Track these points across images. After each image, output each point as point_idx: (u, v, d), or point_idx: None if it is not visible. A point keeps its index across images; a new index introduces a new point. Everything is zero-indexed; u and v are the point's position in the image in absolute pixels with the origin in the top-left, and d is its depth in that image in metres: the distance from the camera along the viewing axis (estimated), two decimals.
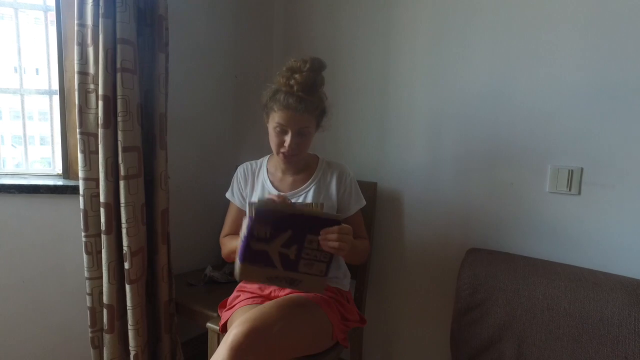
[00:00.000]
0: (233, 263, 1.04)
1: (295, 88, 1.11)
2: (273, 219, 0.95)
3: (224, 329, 1.16)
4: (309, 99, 1.13)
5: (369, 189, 1.50)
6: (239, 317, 1.04)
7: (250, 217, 0.95)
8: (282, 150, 1.17)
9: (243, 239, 0.96)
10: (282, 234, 0.96)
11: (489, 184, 1.36)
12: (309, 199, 1.22)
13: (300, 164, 1.26)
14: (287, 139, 1.14)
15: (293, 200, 1.22)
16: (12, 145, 1.56)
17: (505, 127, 1.32)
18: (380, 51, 1.55)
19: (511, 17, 1.29)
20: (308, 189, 1.24)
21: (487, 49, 1.34)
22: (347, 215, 1.25)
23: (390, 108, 1.55)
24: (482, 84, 1.35)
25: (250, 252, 0.97)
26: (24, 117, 1.48)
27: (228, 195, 1.33)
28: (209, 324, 1.25)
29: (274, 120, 1.15)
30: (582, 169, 1.21)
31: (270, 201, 1.02)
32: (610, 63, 1.16)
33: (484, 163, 1.37)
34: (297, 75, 1.11)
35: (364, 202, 1.29)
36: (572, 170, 1.22)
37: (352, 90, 1.63)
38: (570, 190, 1.23)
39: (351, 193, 1.26)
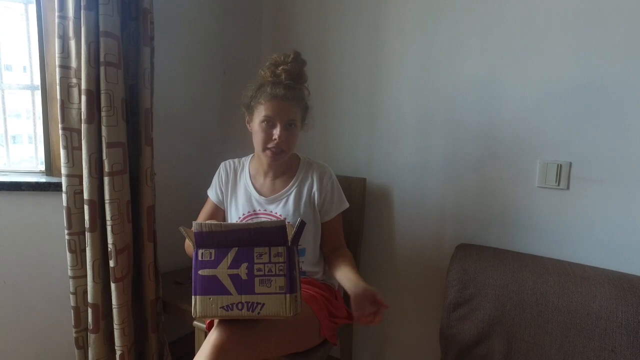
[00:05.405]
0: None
1: (282, 76, 1.12)
2: (215, 239, 0.92)
3: (211, 327, 1.14)
4: (297, 87, 1.14)
5: (358, 184, 1.48)
6: None
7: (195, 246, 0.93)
8: (269, 145, 1.13)
9: (192, 271, 0.92)
10: (227, 252, 0.92)
11: (478, 179, 1.36)
12: (290, 204, 1.19)
13: (282, 165, 1.22)
14: (276, 132, 1.12)
15: (274, 206, 1.20)
16: (0, 145, 1.52)
17: (494, 122, 1.32)
18: (368, 46, 1.54)
19: (500, 13, 1.28)
20: (289, 192, 1.21)
21: (476, 45, 1.33)
22: (328, 219, 1.22)
23: (379, 103, 1.53)
24: (471, 79, 1.35)
25: (201, 282, 0.91)
26: (4, 112, 1.45)
27: (208, 192, 1.31)
28: (195, 322, 1.23)
29: (261, 114, 1.12)
30: (570, 163, 1.21)
31: (205, 224, 0.95)
32: (599, 59, 1.16)
33: (472, 158, 1.37)
34: (282, 67, 1.13)
35: (347, 205, 1.25)
36: (560, 165, 1.22)
37: (340, 85, 1.62)
38: (559, 184, 1.23)
39: (332, 196, 1.22)
